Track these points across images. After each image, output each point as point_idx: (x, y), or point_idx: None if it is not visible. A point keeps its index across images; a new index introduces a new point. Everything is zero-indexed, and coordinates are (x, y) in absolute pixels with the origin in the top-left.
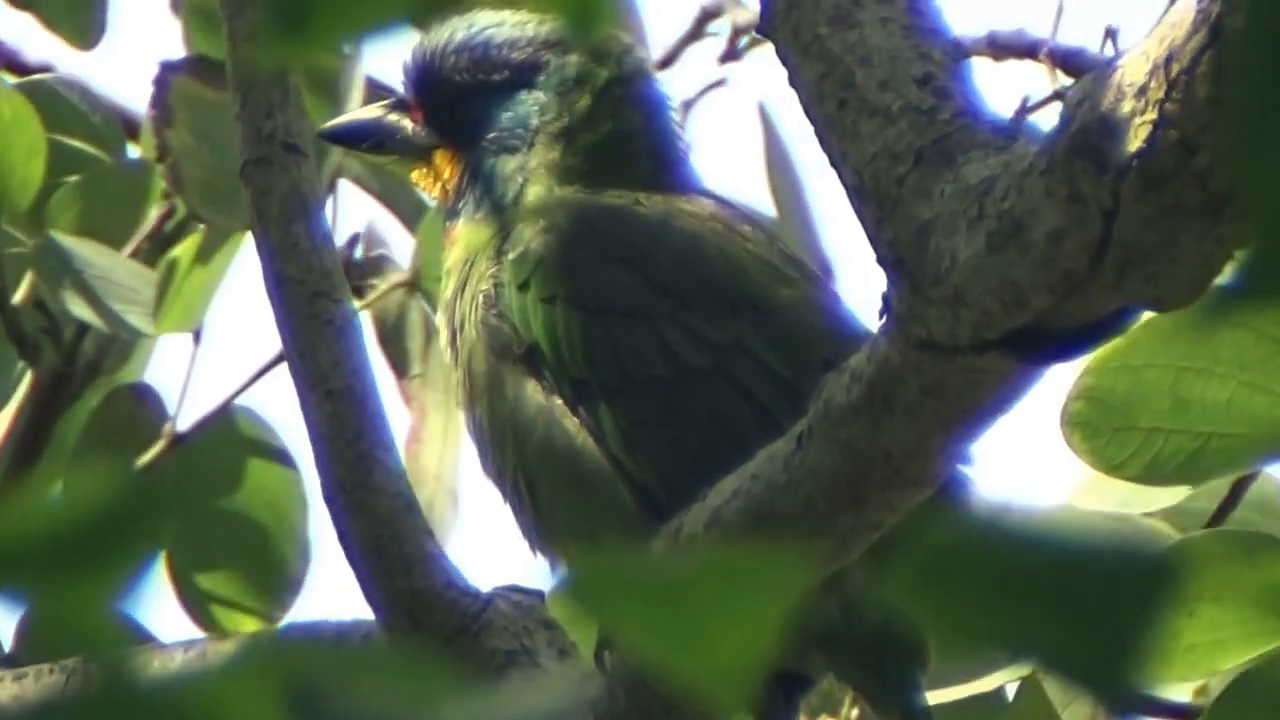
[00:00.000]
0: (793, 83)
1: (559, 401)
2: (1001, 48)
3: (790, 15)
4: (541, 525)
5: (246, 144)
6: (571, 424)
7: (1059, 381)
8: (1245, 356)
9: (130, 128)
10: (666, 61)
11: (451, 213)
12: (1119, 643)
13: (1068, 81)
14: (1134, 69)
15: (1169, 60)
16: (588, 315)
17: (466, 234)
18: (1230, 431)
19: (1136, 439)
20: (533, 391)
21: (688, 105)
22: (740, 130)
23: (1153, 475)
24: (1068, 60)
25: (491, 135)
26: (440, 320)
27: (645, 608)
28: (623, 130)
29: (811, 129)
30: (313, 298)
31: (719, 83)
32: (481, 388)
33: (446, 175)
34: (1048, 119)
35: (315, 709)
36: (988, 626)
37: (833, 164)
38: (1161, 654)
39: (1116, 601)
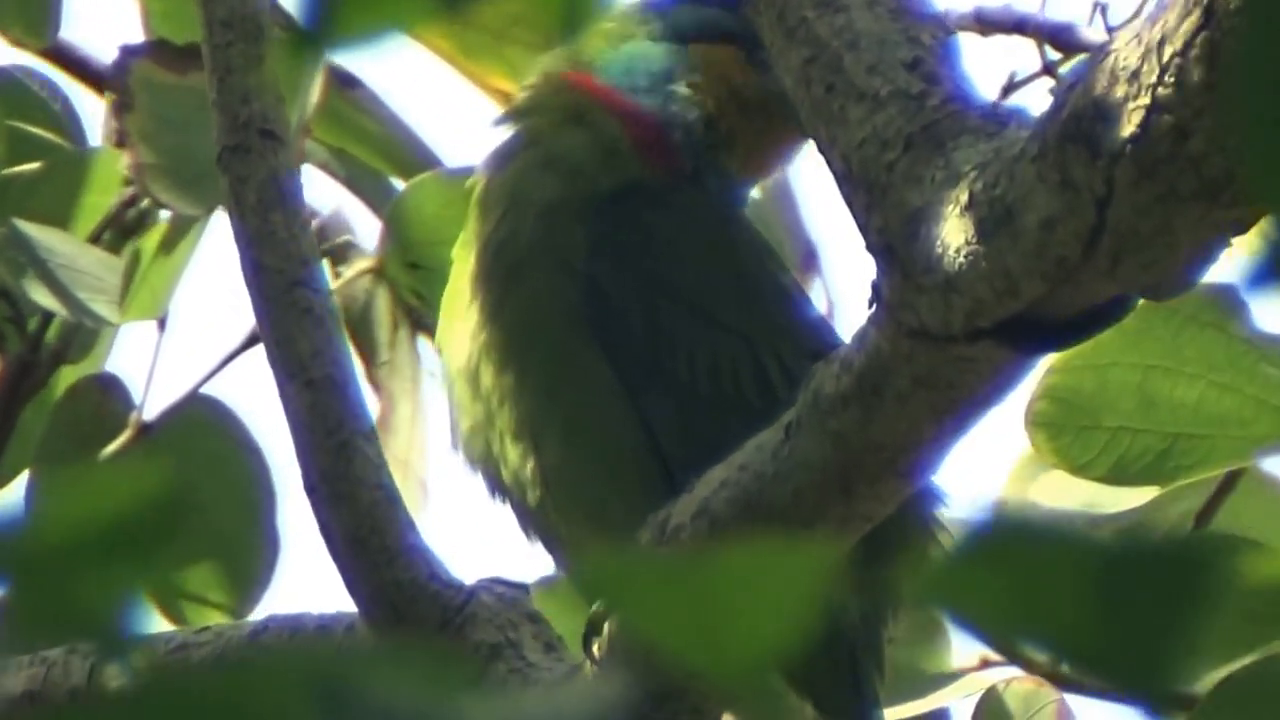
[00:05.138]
0: (778, 66)
1: (612, 376)
2: (989, 23)
3: None
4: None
5: (223, 131)
6: (622, 402)
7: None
8: (1214, 357)
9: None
10: None
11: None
12: (1159, 641)
13: (1056, 56)
14: (1126, 52)
15: (1162, 43)
16: (691, 313)
17: (545, 181)
18: (1198, 432)
19: (1102, 439)
20: (588, 360)
21: None
22: None
23: (1119, 476)
24: (1056, 35)
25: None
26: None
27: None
28: None
29: (799, 114)
30: (291, 286)
31: None
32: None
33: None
34: (1035, 94)
35: (341, 710)
36: (1022, 625)
37: (820, 150)
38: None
39: (1157, 598)
